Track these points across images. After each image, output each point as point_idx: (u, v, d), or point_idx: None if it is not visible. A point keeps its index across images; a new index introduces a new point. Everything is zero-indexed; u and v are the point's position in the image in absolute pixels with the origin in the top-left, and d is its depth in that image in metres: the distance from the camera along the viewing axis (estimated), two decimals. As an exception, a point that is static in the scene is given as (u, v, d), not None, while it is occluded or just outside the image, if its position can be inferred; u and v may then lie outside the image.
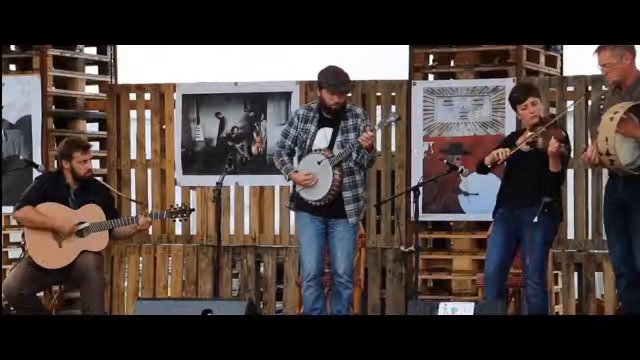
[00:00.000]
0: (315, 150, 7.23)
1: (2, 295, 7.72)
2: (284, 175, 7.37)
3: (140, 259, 8.99)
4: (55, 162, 8.97)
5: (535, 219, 6.78)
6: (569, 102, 8.24)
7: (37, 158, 8.75)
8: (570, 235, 8.22)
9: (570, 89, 8.24)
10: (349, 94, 7.45)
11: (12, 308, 7.69)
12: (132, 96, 9.11)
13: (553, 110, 8.18)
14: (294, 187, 7.35)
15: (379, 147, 8.45)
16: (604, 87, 8.15)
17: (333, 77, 7.15)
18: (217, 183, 7.50)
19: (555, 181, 7.02)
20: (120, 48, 9.41)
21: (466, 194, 8.20)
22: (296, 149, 7.33)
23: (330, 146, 7.23)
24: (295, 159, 7.40)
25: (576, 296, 8.21)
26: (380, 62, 9.36)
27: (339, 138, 7.23)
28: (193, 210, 7.94)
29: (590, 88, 8.16)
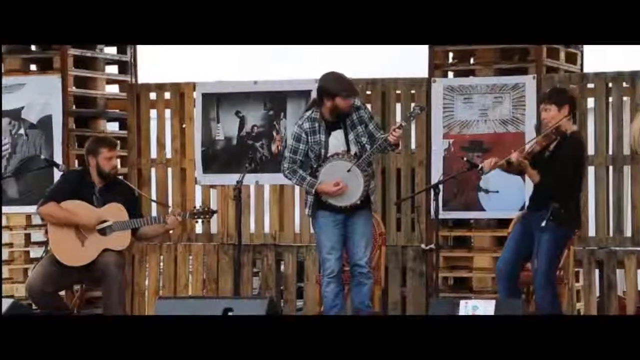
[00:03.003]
0: (333, 156, 7.21)
1: (25, 294, 7.76)
2: (306, 190, 7.32)
3: (161, 257, 9.01)
4: (76, 161, 9.03)
5: (543, 224, 6.81)
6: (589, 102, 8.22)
7: (57, 158, 8.78)
8: (592, 232, 8.20)
9: (590, 85, 8.22)
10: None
11: (35, 306, 7.72)
12: (152, 95, 9.14)
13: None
14: (314, 196, 7.30)
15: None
16: (624, 84, 8.14)
17: (347, 84, 7.16)
18: (237, 182, 7.50)
19: (564, 187, 7.00)
20: (140, 48, 9.44)
21: (486, 191, 8.19)
22: (310, 161, 7.29)
23: (348, 147, 7.23)
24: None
25: (597, 294, 8.19)
26: (399, 60, 9.33)
27: (351, 136, 7.23)
28: (215, 212, 7.95)
29: (610, 85, 8.14)
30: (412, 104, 8.43)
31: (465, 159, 7.56)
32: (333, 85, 7.15)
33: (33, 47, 9.17)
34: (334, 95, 7.14)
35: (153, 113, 9.16)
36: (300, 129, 7.26)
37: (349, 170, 7.13)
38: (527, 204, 7.40)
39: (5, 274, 9.30)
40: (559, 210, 6.87)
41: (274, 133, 8.78)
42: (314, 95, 8.58)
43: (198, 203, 8.70)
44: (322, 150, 7.22)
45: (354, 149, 7.22)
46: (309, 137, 7.22)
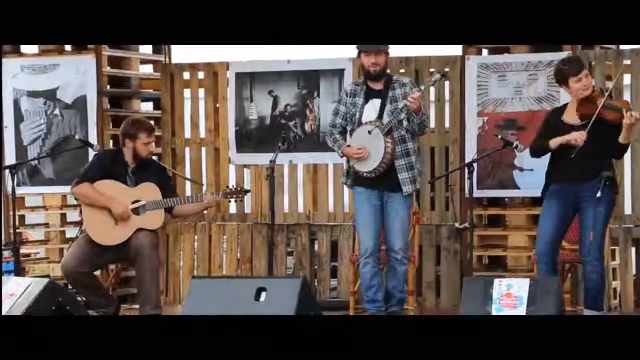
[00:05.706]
0: (366, 123, 7.21)
1: (61, 273, 7.81)
2: (337, 152, 7.35)
3: (195, 237, 9.04)
4: (111, 141, 9.07)
5: (599, 194, 6.69)
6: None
7: (92, 138, 8.82)
8: (628, 210, 8.13)
9: (626, 62, 8.13)
10: (390, 69, 7.42)
11: (70, 286, 7.77)
12: (186, 75, 9.16)
13: (609, 84, 8.08)
14: (347, 162, 7.33)
15: (432, 123, 8.41)
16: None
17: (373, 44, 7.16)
18: (271, 161, 7.50)
19: (620, 153, 6.91)
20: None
21: (521, 169, 8.15)
22: (347, 124, 7.31)
23: (380, 116, 7.20)
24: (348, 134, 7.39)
25: (634, 272, 8.13)
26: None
27: (388, 107, 7.20)
28: (248, 191, 7.96)
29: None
30: (431, 69, 8.35)
31: (499, 136, 7.51)
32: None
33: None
34: (359, 51, 7.17)
35: (187, 93, 9.18)
36: (343, 91, 7.40)
37: (369, 132, 7.10)
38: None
39: (42, 254, 9.41)
40: (611, 178, 6.78)
41: (307, 112, 8.77)
42: (347, 74, 8.60)
43: (232, 182, 8.70)
44: (357, 114, 7.22)
45: (386, 120, 7.18)
46: (348, 98, 7.27)
